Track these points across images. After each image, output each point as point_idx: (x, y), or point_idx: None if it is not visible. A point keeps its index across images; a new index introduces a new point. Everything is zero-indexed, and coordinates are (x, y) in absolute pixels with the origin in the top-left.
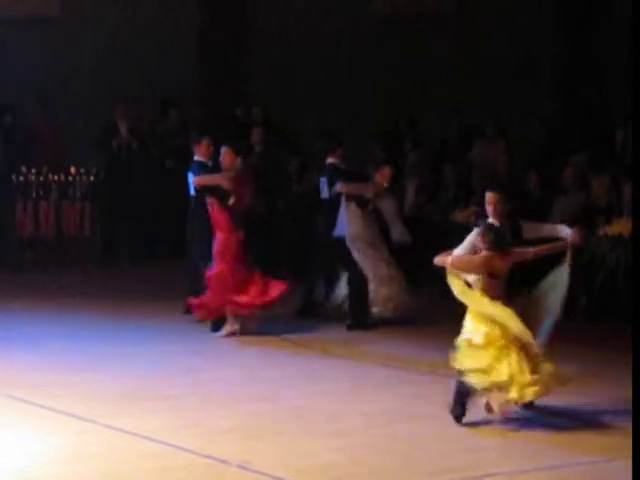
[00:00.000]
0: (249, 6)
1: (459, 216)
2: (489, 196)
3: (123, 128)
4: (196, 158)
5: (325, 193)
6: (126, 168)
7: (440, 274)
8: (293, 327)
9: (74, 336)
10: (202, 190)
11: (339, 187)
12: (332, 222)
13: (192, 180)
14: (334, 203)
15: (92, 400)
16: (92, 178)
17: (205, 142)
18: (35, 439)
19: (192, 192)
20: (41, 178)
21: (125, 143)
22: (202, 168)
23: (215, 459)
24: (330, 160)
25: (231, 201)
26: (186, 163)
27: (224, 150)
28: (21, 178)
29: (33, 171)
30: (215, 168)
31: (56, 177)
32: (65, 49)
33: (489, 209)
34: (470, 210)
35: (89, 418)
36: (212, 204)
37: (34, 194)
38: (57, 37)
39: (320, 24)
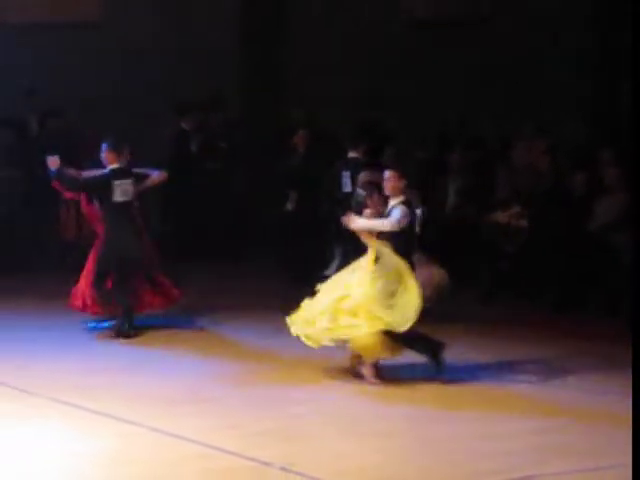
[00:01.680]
0: (289, 7)
1: (500, 217)
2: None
3: (193, 136)
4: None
5: (348, 187)
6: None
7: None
8: None
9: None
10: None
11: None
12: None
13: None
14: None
15: (136, 402)
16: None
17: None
18: (80, 442)
19: None
20: None
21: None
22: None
23: (258, 461)
24: (352, 154)
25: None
26: (229, 165)
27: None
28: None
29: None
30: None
31: None
32: (106, 54)
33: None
34: (512, 211)
35: (133, 421)
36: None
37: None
38: (98, 42)
39: (357, 30)
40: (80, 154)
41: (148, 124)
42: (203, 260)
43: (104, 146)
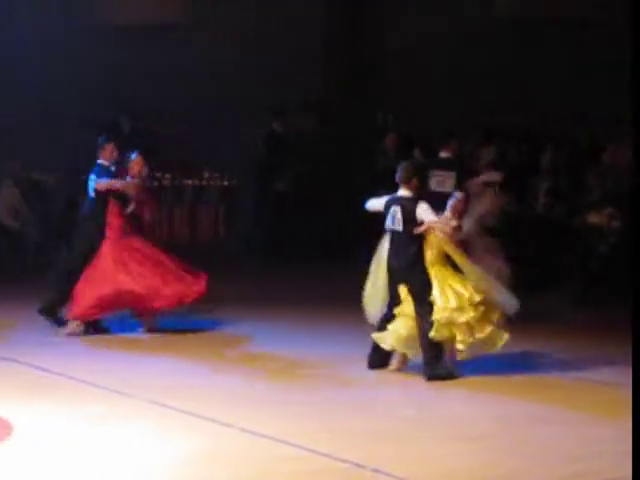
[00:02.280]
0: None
1: (594, 218)
2: None
3: (286, 138)
4: (99, 161)
5: (442, 187)
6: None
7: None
8: None
9: (209, 339)
10: (105, 194)
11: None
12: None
13: (95, 183)
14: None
15: (228, 404)
16: (225, 182)
17: (109, 147)
18: (173, 442)
19: (91, 194)
20: (175, 182)
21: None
22: (104, 172)
23: (350, 463)
24: (443, 154)
25: (130, 208)
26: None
27: (134, 158)
28: (155, 183)
29: (167, 176)
30: (118, 172)
31: (190, 181)
32: (196, 55)
33: None
34: (605, 212)
35: (225, 422)
36: (113, 207)
37: (168, 198)
38: (187, 43)
39: (449, 28)
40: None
41: (229, 126)
42: (297, 262)
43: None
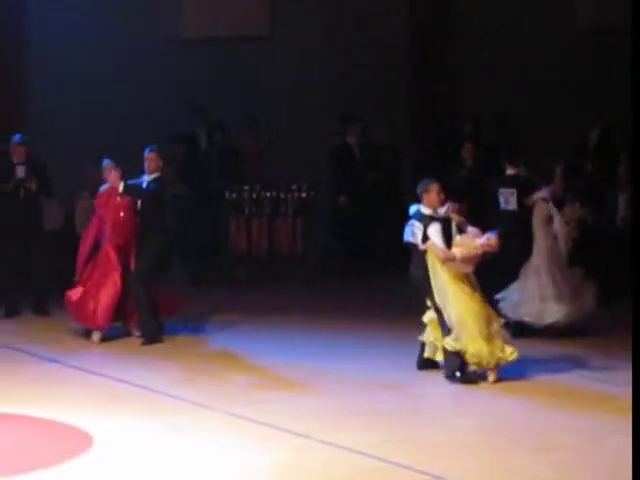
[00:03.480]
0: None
1: None
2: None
3: (356, 148)
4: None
5: (508, 204)
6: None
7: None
8: None
9: (288, 352)
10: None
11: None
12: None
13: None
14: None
15: (307, 415)
16: (303, 194)
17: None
18: (254, 455)
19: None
20: (254, 195)
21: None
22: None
23: (430, 475)
24: (511, 172)
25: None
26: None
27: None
28: (234, 195)
29: (246, 188)
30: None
31: (268, 194)
32: (275, 68)
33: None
34: None
35: (304, 434)
36: None
37: (247, 211)
38: (267, 55)
39: (526, 34)
40: (245, 167)
41: (307, 137)
42: (373, 274)
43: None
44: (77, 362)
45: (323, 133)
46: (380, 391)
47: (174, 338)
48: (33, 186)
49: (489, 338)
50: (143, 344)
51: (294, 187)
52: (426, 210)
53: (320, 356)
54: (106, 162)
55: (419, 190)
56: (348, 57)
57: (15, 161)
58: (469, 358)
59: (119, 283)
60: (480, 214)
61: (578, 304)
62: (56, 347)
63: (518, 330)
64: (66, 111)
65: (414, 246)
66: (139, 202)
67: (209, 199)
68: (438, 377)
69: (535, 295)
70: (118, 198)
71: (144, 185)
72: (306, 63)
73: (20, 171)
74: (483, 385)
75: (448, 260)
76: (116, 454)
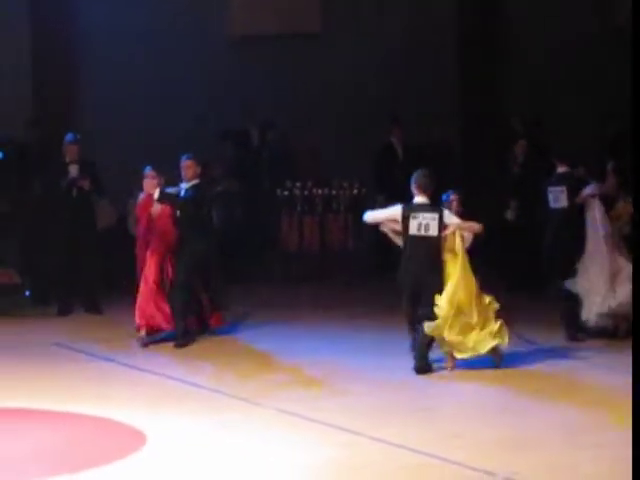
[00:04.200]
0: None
1: None
2: None
3: (399, 149)
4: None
5: (558, 202)
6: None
7: None
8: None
9: (338, 348)
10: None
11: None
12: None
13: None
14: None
15: (356, 412)
16: (355, 191)
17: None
18: (303, 451)
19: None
20: (305, 192)
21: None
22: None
23: (481, 471)
24: (562, 169)
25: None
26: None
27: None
28: (286, 192)
29: (298, 185)
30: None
31: (320, 191)
32: (326, 65)
33: None
34: None
35: (354, 430)
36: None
37: (299, 208)
38: (318, 53)
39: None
40: (295, 165)
41: (360, 135)
42: None
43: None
44: (130, 360)
45: (374, 131)
46: (427, 388)
47: (225, 336)
48: (86, 185)
49: (470, 328)
50: (176, 347)
51: (346, 184)
52: (426, 200)
53: (367, 353)
54: (147, 170)
55: (422, 184)
56: (399, 55)
57: (67, 160)
58: (443, 346)
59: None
60: (530, 211)
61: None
62: (109, 345)
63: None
64: (115, 111)
65: (421, 240)
66: (177, 210)
67: (261, 196)
68: (484, 374)
69: (600, 282)
70: (156, 206)
71: (182, 193)
72: (357, 60)
73: (73, 170)
74: (533, 383)
75: (476, 229)
76: (169, 452)
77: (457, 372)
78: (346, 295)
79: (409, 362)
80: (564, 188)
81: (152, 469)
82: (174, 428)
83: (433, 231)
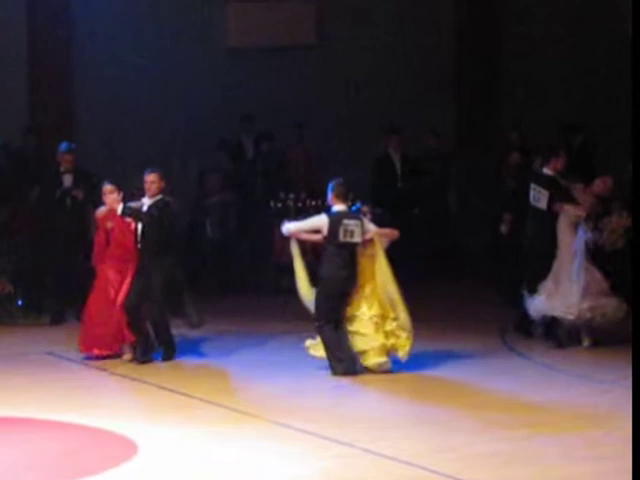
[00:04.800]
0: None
1: None
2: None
3: (397, 160)
4: None
5: (538, 203)
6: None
7: None
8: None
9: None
10: None
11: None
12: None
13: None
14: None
15: (351, 424)
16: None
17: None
18: (296, 463)
19: None
20: (299, 204)
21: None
22: None
23: None
24: (548, 172)
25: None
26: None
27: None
28: (279, 204)
29: (291, 196)
30: None
31: (314, 202)
32: (321, 76)
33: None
34: None
35: (349, 442)
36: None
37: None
38: (313, 64)
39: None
40: (290, 176)
41: (357, 146)
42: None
43: None
44: (122, 370)
45: (369, 142)
46: (426, 400)
47: (217, 346)
48: (80, 195)
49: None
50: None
51: None
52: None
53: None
54: (106, 185)
55: (340, 192)
56: (394, 66)
57: (62, 169)
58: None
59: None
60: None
61: (603, 303)
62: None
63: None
64: (112, 120)
65: (349, 246)
66: (139, 225)
67: (255, 207)
68: (488, 387)
69: (563, 291)
70: (115, 221)
71: (144, 208)
72: (352, 72)
73: (67, 180)
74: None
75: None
76: (160, 462)
77: (458, 385)
78: None
79: (409, 373)
80: (547, 193)
81: (144, 479)
82: (166, 438)
83: (357, 237)
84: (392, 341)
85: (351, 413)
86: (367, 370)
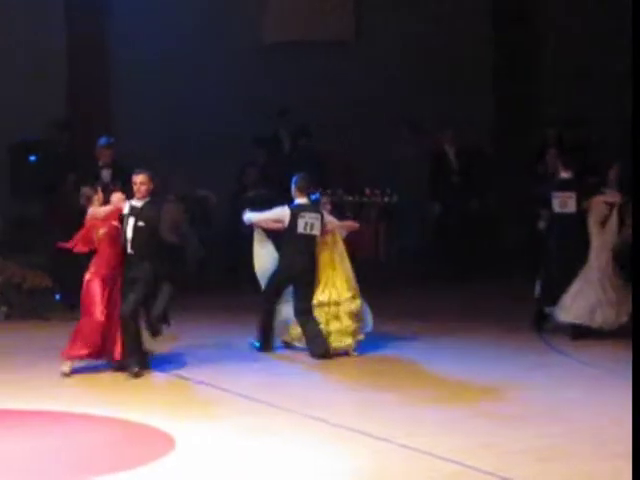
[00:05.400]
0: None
1: None
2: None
3: (451, 154)
4: None
5: (566, 207)
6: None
7: None
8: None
9: (373, 356)
10: None
11: None
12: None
13: None
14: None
15: (387, 420)
16: (386, 199)
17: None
18: (333, 459)
19: None
20: (336, 199)
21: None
22: None
23: None
24: (565, 175)
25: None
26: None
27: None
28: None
29: (328, 192)
30: None
31: (351, 198)
32: (358, 72)
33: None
34: None
35: (384, 437)
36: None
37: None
38: (351, 61)
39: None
40: (327, 171)
41: (391, 142)
42: (455, 280)
43: None
44: (161, 364)
45: (404, 138)
46: (462, 395)
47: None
48: (118, 189)
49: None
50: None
51: (377, 192)
52: (307, 201)
53: (398, 361)
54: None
55: (302, 186)
56: (430, 62)
57: (101, 164)
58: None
59: (101, 317)
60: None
61: (624, 309)
62: None
63: (577, 332)
64: (147, 115)
65: (307, 239)
66: (129, 230)
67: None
68: (526, 383)
69: (589, 298)
70: (107, 227)
71: (126, 210)
72: (389, 67)
73: (106, 174)
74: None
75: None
76: (196, 456)
77: (493, 381)
78: (380, 303)
79: (445, 369)
80: (572, 194)
81: (179, 473)
82: (201, 433)
83: (316, 230)
84: (347, 324)
85: (385, 409)
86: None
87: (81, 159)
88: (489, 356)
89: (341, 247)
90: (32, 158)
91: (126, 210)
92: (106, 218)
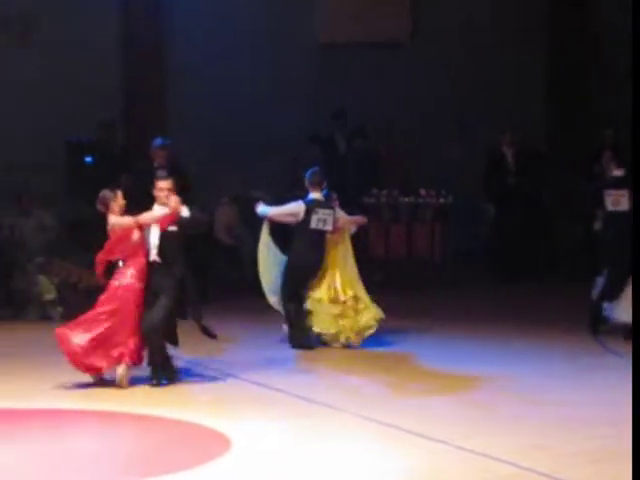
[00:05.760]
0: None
1: None
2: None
3: (509, 155)
4: None
5: (619, 205)
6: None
7: None
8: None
9: (428, 357)
10: None
11: None
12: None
13: None
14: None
15: (443, 420)
16: (441, 200)
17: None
18: (388, 459)
19: None
20: (391, 200)
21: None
22: None
23: None
24: (618, 173)
25: None
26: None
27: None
28: (372, 200)
29: (384, 193)
30: None
31: (406, 199)
32: (414, 73)
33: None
34: None
35: (440, 439)
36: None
37: (385, 216)
38: (406, 62)
39: None
40: (381, 172)
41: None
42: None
43: None
44: (216, 365)
45: (454, 137)
46: (514, 397)
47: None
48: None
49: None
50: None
51: (432, 193)
52: (316, 195)
53: (457, 361)
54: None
55: (316, 180)
56: (486, 64)
57: (156, 165)
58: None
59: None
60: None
61: None
62: (194, 350)
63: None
64: (202, 115)
65: (317, 234)
66: (154, 238)
67: (347, 204)
68: (575, 385)
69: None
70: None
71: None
72: (444, 69)
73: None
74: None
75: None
76: (252, 457)
77: (549, 383)
78: (434, 303)
79: (494, 369)
80: (625, 192)
81: (235, 474)
82: (257, 433)
83: (329, 226)
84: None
85: (446, 410)
86: (324, 345)
87: (136, 160)
88: (542, 358)
89: (347, 246)
90: (88, 159)
91: (185, 212)
92: (157, 221)
